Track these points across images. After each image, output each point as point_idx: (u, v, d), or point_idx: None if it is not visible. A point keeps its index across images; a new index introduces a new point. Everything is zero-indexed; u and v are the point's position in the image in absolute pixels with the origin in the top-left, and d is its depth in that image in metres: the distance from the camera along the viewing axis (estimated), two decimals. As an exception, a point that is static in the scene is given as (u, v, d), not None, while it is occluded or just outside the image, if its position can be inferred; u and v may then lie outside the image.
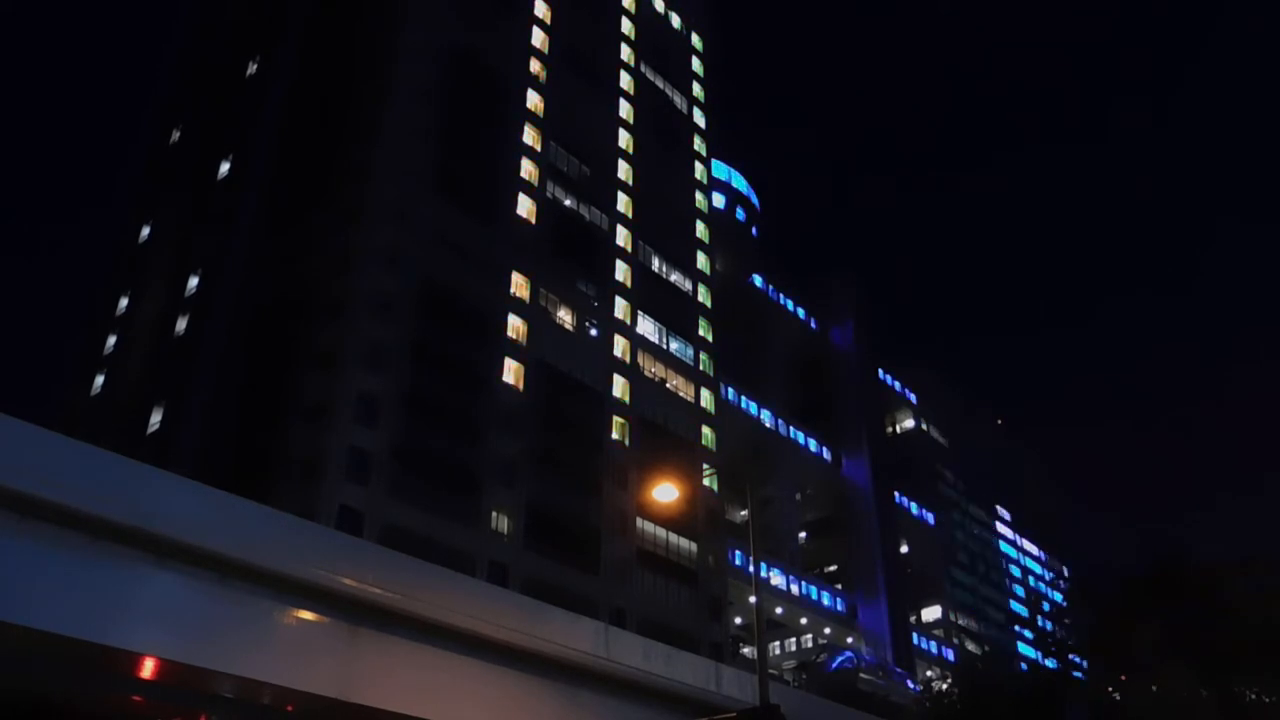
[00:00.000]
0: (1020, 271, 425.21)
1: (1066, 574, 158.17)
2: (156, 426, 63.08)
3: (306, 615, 27.04)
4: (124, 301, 73.80)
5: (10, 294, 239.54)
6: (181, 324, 67.04)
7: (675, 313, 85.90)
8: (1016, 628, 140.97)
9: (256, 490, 37.29)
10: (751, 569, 24.84)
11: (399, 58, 70.10)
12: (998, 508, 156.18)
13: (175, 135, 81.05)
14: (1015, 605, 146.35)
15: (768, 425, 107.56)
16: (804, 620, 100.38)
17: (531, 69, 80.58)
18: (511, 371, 67.92)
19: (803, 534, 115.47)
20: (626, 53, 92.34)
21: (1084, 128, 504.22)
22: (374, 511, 55.29)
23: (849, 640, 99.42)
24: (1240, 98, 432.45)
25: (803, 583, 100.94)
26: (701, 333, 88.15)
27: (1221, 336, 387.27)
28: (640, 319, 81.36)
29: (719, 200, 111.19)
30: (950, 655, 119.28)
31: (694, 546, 76.09)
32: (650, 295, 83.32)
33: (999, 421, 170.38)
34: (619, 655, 34.33)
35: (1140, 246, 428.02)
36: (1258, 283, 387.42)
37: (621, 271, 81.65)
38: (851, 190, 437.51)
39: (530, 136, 77.67)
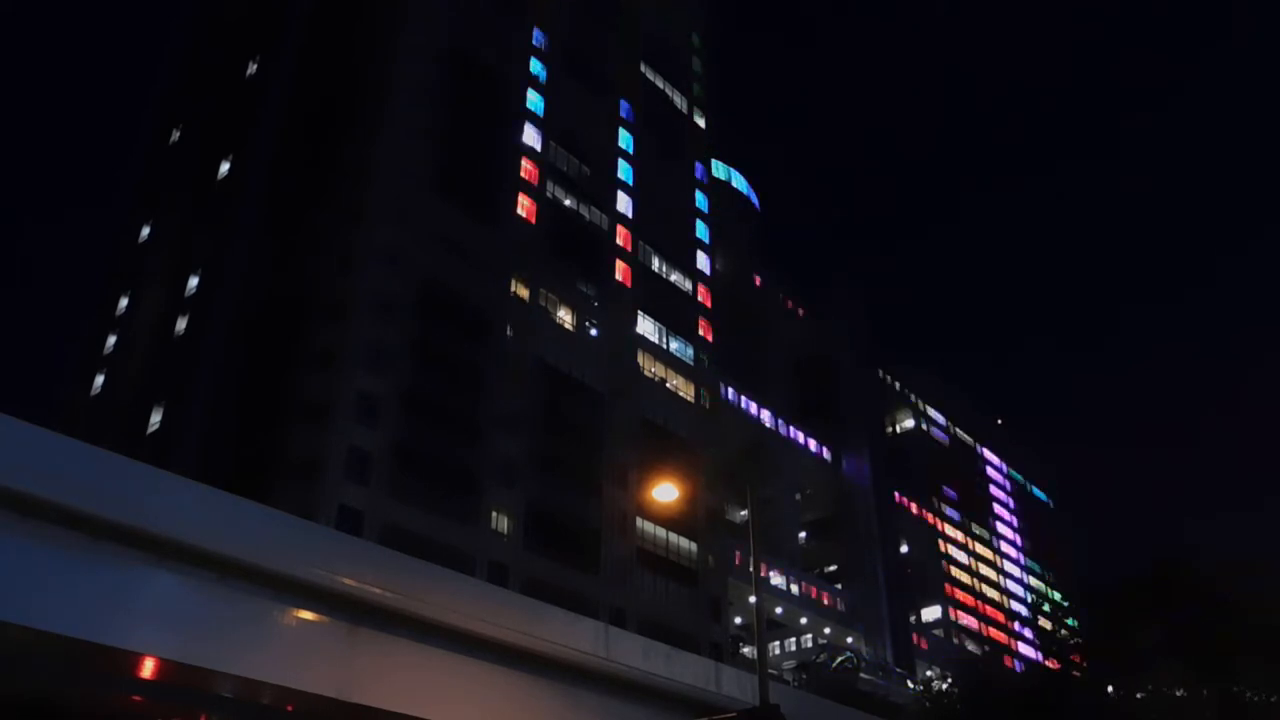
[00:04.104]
0: (1021, 273, 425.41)
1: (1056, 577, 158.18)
2: (156, 426, 63.05)
3: (306, 615, 27.07)
4: (124, 301, 73.71)
5: (10, 294, 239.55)
6: (181, 324, 66.99)
7: (675, 313, 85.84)
8: (1017, 626, 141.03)
9: (256, 490, 37.28)
10: (751, 569, 24.83)
11: (399, 58, 70.08)
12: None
13: (175, 135, 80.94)
14: (1015, 605, 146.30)
15: (768, 425, 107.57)
16: (804, 620, 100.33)
17: (531, 69, 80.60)
18: (511, 371, 67.93)
19: (803, 534, 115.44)
20: (626, 53, 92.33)
21: (1085, 129, 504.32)
22: (374, 511, 55.26)
23: (849, 640, 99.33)
24: (1243, 99, 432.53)
25: (803, 583, 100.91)
26: (701, 333, 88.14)
27: (1223, 341, 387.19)
28: (640, 319, 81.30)
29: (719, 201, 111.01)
30: (949, 655, 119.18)
31: (694, 546, 76.07)
32: (650, 295, 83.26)
33: (999, 422, 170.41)
34: (619, 655, 34.37)
35: (1142, 248, 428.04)
36: (1264, 288, 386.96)
37: (621, 271, 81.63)
38: (851, 190, 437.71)
39: (530, 136, 77.65)
